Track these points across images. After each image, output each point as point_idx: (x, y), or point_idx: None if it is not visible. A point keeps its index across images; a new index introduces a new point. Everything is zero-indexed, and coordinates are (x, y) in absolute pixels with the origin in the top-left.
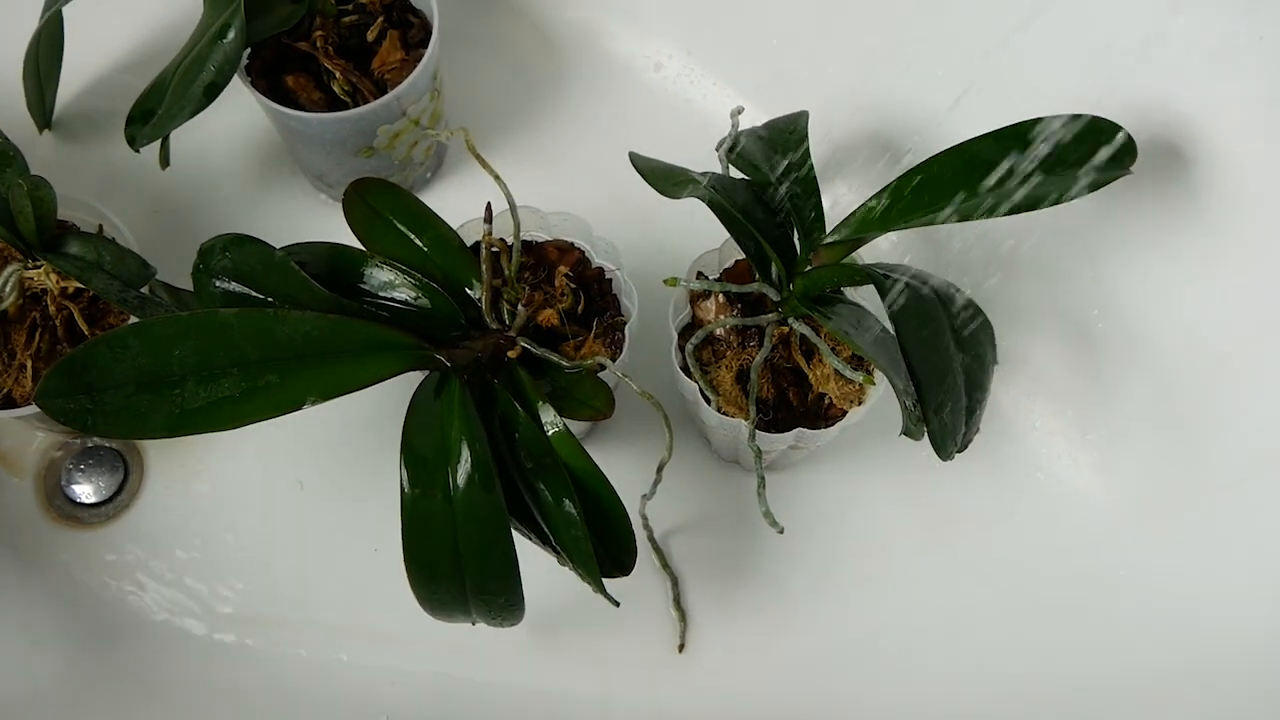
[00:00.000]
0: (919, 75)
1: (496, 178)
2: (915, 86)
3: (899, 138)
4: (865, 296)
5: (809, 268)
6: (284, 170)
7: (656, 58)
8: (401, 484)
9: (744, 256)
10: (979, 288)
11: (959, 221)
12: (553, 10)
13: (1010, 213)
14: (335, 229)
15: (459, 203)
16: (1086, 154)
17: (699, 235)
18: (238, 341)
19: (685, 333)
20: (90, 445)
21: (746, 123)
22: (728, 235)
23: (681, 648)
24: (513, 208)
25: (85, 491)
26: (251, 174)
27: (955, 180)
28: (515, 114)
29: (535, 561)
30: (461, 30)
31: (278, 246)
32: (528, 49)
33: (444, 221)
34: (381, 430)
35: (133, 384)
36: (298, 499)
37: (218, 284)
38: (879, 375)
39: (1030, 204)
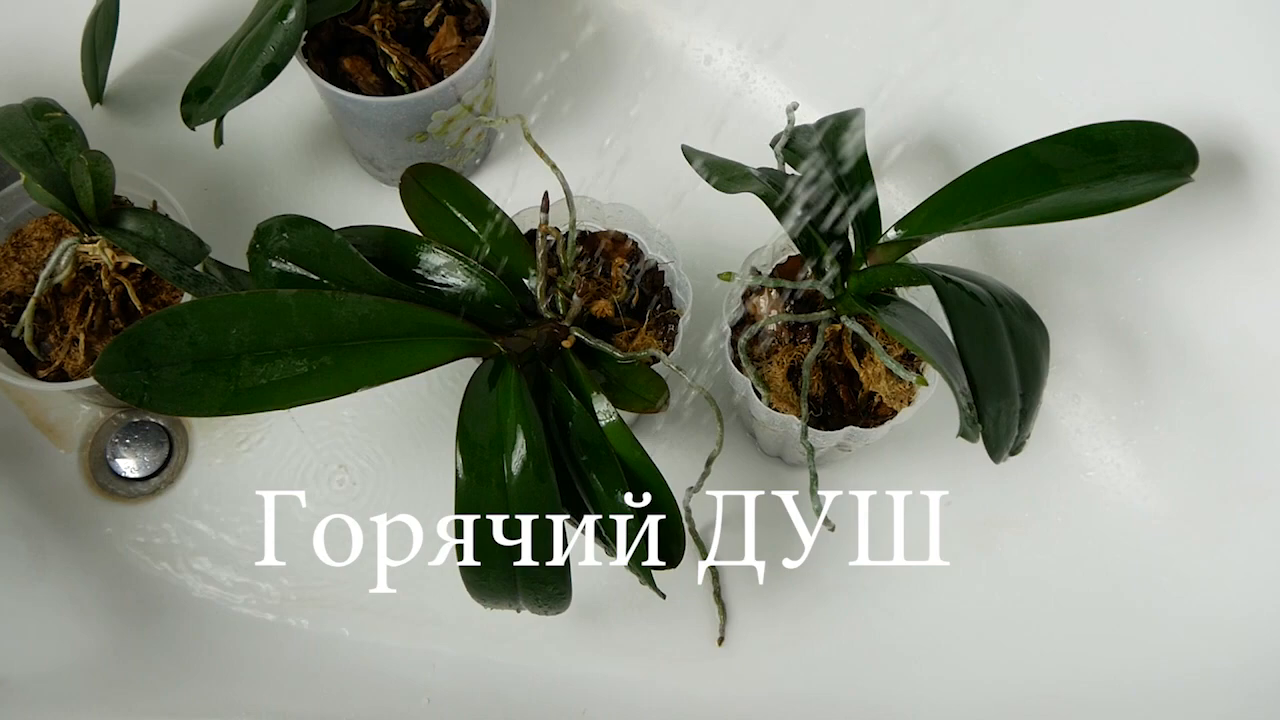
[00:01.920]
0: (976, 74)
1: (553, 167)
2: (972, 86)
3: (953, 137)
4: (915, 296)
5: (864, 266)
6: (334, 151)
7: (707, 50)
8: (456, 470)
9: (798, 253)
10: (1026, 288)
11: (1016, 225)
12: (608, 3)
13: (1069, 218)
14: (384, 211)
15: (507, 189)
16: (1148, 160)
17: (751, 229)
18: (295, 322)
19: (737, 327)
20: (136, 420)
21: (799, 118)
22: (782, 231)
23: (721, 641)
24: (569, 198)
25: (129, 466)
26: (301, 154)
27: (1015, 183)
28: (566, 102)
29: (579, 549)
30: (515, 17)
31: (328, 224)
32: (579, 37)
33: (500, 210)
34: (431, 414)
35: (190, 361)
36: (344, 481)
37: (273, 264)
38: (930, 375)
39: (1089, 210)
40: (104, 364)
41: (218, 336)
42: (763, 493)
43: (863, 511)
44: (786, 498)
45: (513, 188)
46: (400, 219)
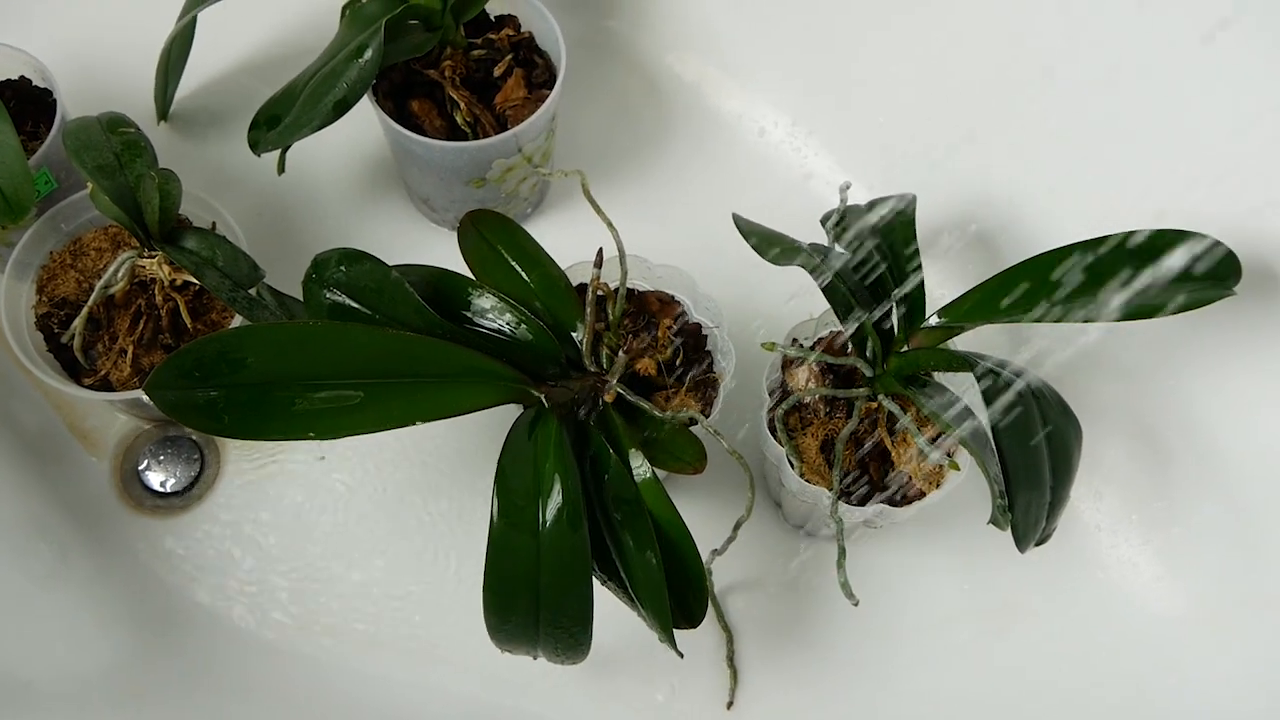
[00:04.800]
0: (1027, 169)
1: (609, 225)
2: (1023, 179)
3: (999, 227)
4: (950, 380)
5: (905, 348)
6: (388, 187)
7: (762, 122)
8: (491, 514)
9: (840, 328)
10: (1055, 379)
11: (1056, 322)
12: (667, 65)
13: (1108, 320)
14: (433, 251)
15: (558, 240)
16: (1191, 271)
17: (795, 300)
18: (349, 355)
19: (775, 395)
20: (170, 434)
21: (850, 196)
22: (827, 306)
23: (730, 705)
24: (622, 256)
25: (160, 480)
26: (357, 186)
27: (1058, 282)
28: (621, 160)
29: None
30: (578, 73)
31: (386, 264)
32: (638, 98)
33: (554, 261)
34: (465, 455)
35: (244, 385)
36: (371, 513)
37: (328, 295)
38: (962, 460)
39: (1131, 315)
40: (156, 380)
41: (270, 363)
42: (782, 561)
43: (883, 587)
44: (807, 568)
45: (563, 238)
46: (448, 260)
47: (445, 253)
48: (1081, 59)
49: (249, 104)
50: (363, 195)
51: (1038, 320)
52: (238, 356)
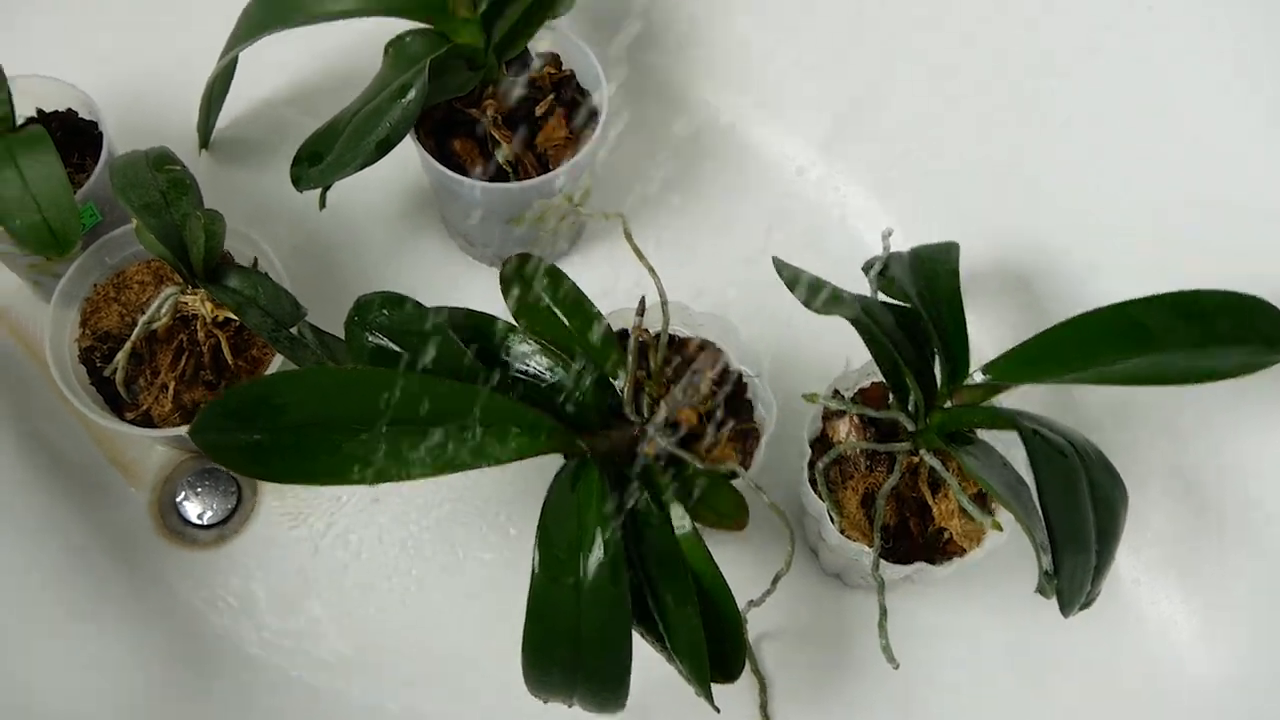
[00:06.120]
0: (1076, 218)
1: (652, 272)
2: (1072, 228)
3: (1044, 280)
4: (993, 435)
5: (949, 404)
6: (426, 220)
7: (800, 160)
8: (533, 566)
9: (882, 378)
10: (1098, 433)
11: (1104, 384)
12: (705, 100)
13: (1159, 384)
14: (471, 286)
15: (597, 277)
16: (1243, 333)
17: (837, 346)
18: (392, 401)
19: (814, 445)
20: (207, 466)
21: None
22: (869, 357)
23: None
24: (664, 303)
25: (197, 511)
26: (395, 219)
27: (1107, 342)
28: (657, 195)
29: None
30: (619, 113)
31: (414, 295)
32: (675, 133)
33: (595, 308)
34: (504, 502)
35: (287, 430)
36: (409, 556)
37: (370, 338)
38: (1005, 520)
39: (1181, 379)
40: (203, 424)
41: (314, 407)
42: (818, 610)
43: (920, 641)
44: (843, 618)
45: (601, 276)
46: (485, 296)
47: (482, 288)
48: (1135, 102)
49: (289, 134)
50: (401, 227)
51: (1084, 381)
52: (281, 401)
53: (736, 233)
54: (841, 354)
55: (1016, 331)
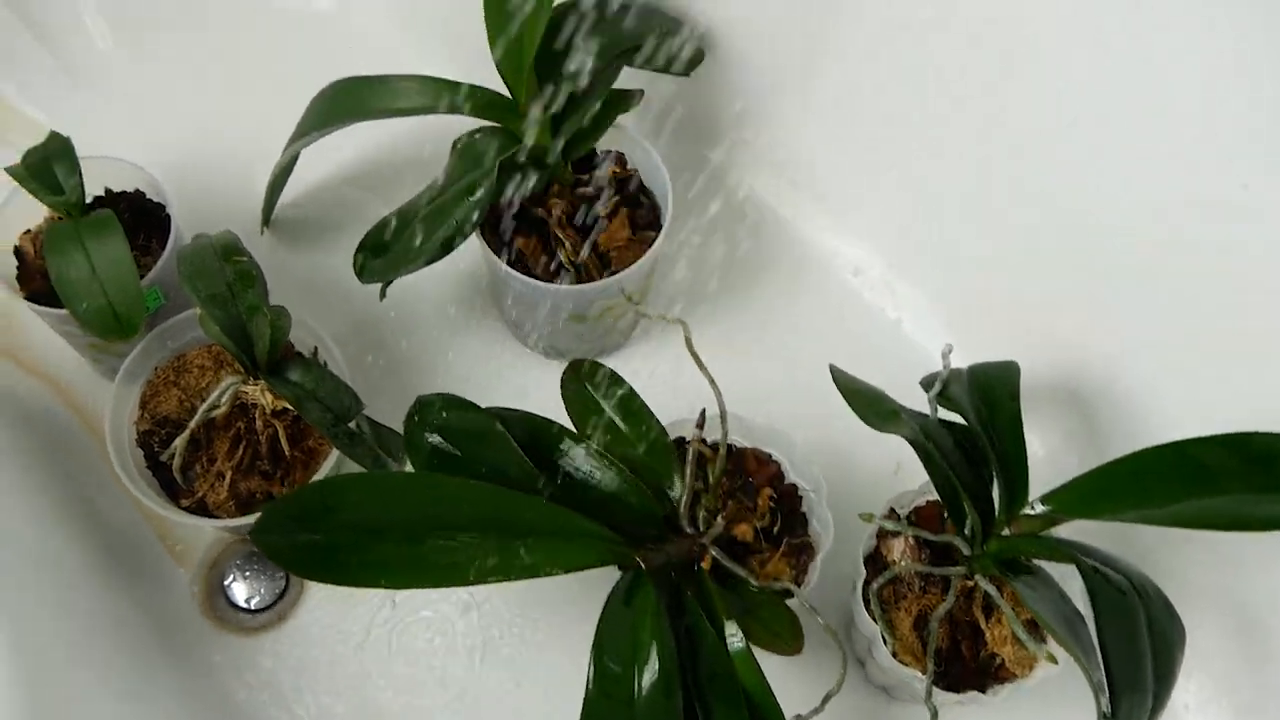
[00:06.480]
0: (1135, 345)
1: (712, 383)
2: (1130, 355)
3: (1104, 408)
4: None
5: (1007, 532)
6: (482, 308)
7: (856, 261)
8: (587, 680)
9: (936, 497)
10: (1149, 557)
11: (1165, 525)
12: (762, 196)
13: (1224, 529)
14: (525, 375)
15: (647, 367)
16: None
17: (890, 450)
18: (453, 508)
19: (868, 561)
20: (255, 548)
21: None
22: (920, 467)
23: None
24: (723, 417)
25: (246, 595)
26: (450, 305)
27: (1168, 481)
28: (713, 290)
29: None
30: (678, 208)
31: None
32: (732, 228)
33: (655, 417)
34: (554, 607)
35: (348, 532)
36: (450, 657)
37: (429, 438)
38: (1059, 650)
39: (1245, 525)
40: (265, 526)
41: (373, 512)
42: None
43: None
44: None
45: (652, 366)
46: (538, 384)
47: (535, 377)
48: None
49: (349, 214)
50: (457, 314)
51: (1146, 521)
52: (341, 505)
53: (790, 328)
54: (891, 456)
55: (1070, 442)
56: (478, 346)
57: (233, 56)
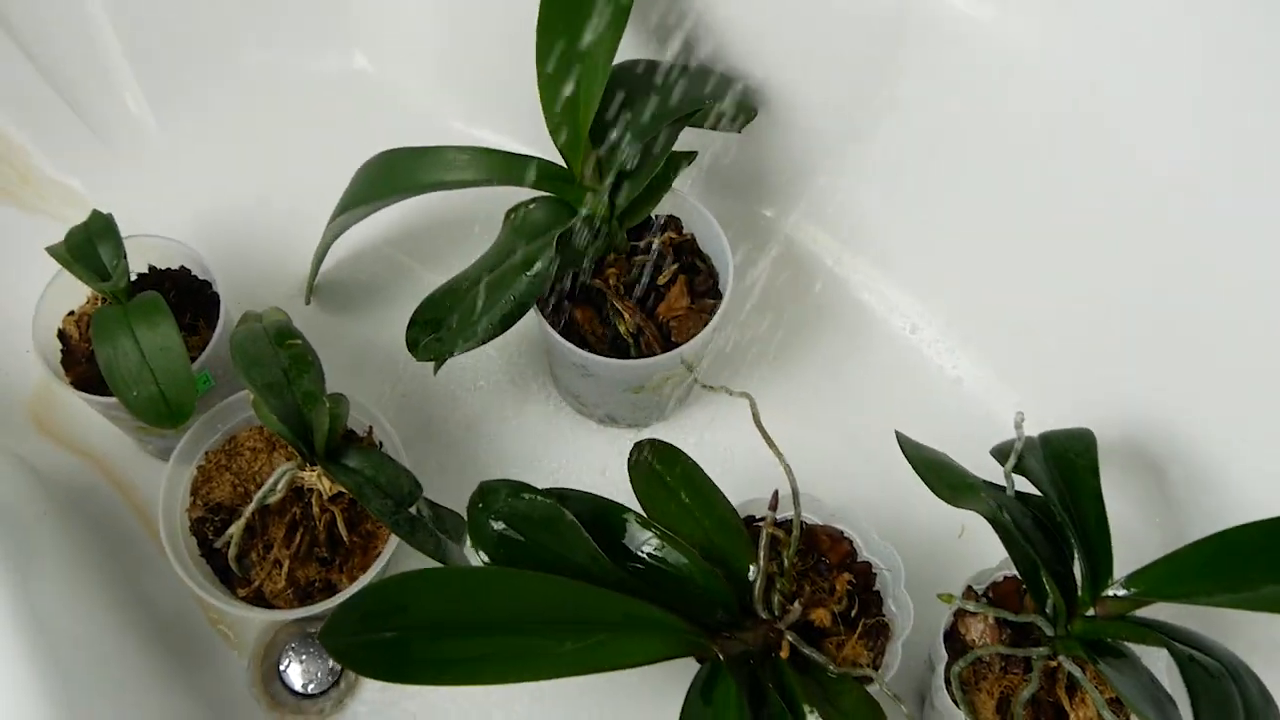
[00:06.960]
0: (1205, 405)
1: (787, 469)
2: (1203, 418)
3: (1176, 471)
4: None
5: (1092, 612)
6: (536, 375)
7: (914, 319)
8: None
9: (1012, 573)
10: (1235, 632)
11: (1260, 611)
12: (818, 254)
13: None
14: (579, 443)
15: (702, 432)
16: None
17: (947, 519)
18: (522, 603)
19: (945, 639)
20: (309, 631)
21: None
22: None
23: None
24: (795, 497)
25: (301, 679)
26: (504, 372)
27: (1255, 564)
28: (769, 349)
29: None
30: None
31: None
32: (788, 286)
33: (725, 499)
34: (630, 697)
35: (414, 631)
36: None
37: (494, 525)
38: None
39: None
40: (333, 628)
41: (440, 610)
42: None
43: None
44: None
45: (708, 430)
46: (595, 453)
47: (591, 446)
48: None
49: (394, 278)
50: (511, 382)
51: (1232, 606)
52: (407, 603)
53: (848, 387)
54: (957, 521)
55: (1142, 509)
56: (533, 415)
57: (269, 121)
